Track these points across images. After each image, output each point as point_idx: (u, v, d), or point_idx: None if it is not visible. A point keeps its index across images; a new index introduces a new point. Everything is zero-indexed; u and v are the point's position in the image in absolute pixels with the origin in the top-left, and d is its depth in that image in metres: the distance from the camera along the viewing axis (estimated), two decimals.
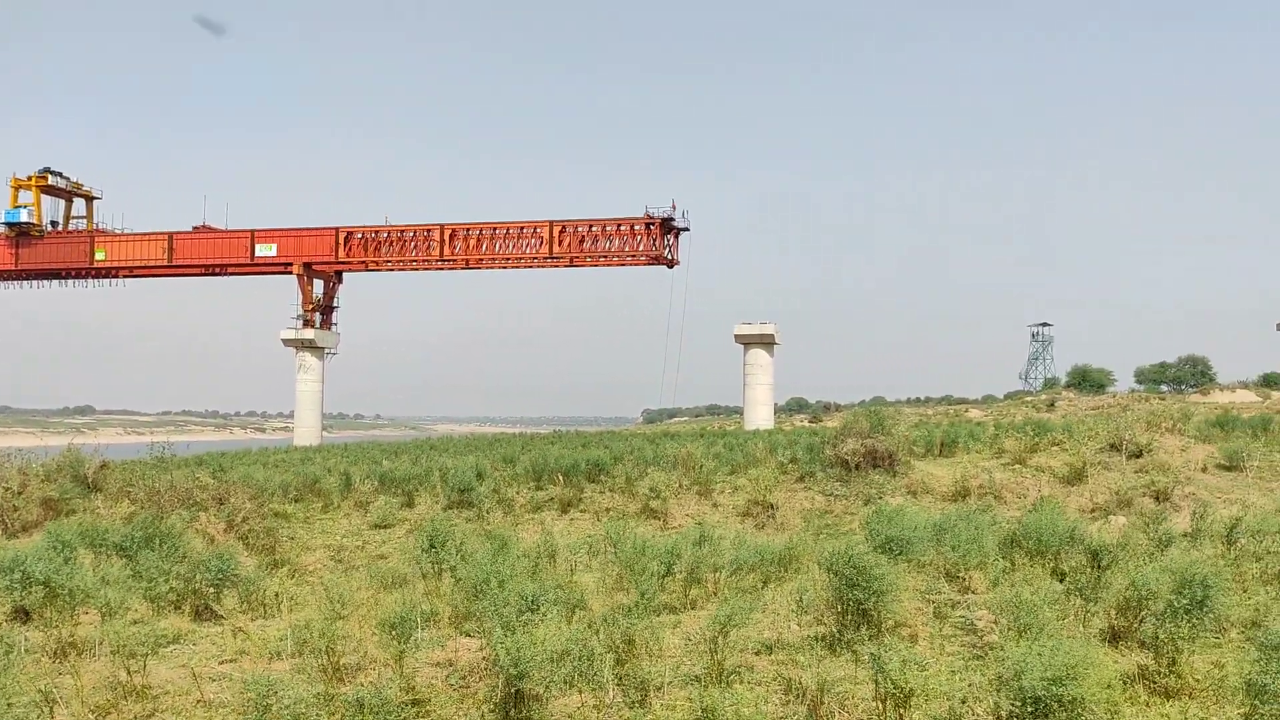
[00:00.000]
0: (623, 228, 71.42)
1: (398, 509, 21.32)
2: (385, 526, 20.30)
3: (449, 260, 73.91)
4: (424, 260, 74.71)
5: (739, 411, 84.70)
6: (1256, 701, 6.97)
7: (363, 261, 75.77)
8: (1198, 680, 8.28)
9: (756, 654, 9.55)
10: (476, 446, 38.48)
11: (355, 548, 18.75)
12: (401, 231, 75.04)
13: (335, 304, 77.78)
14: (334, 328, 77.59)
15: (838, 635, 9.81)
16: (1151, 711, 7.68)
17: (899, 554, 12.49)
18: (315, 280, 76.53)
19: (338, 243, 75.21)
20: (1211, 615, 9.08)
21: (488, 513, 20.55)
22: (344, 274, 77.79)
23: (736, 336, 72.25)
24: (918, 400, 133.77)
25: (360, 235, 75.42)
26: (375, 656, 8.88)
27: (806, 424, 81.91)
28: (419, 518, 20.15)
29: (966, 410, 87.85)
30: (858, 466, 22.32)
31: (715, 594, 12.03)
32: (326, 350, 76.36)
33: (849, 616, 10.00)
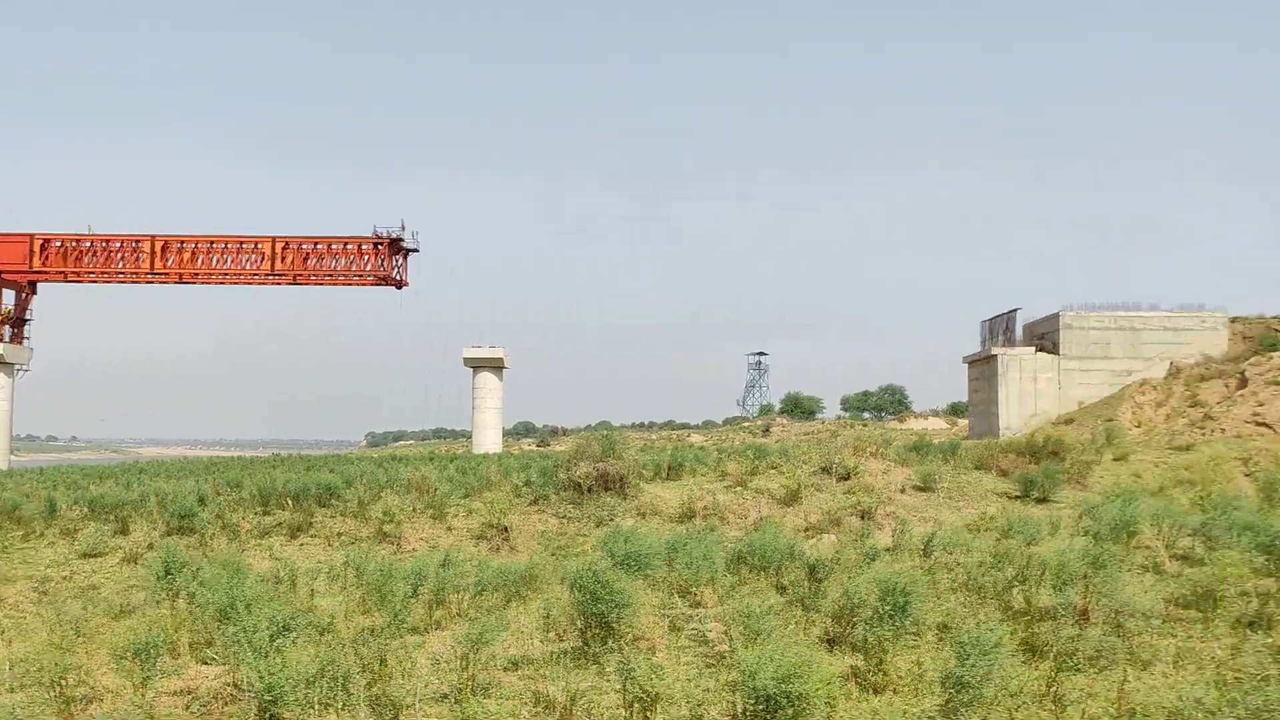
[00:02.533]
0: (350, 246, 69.11)
1: (110, 536, 19.66)
2: (96, 555, 18.65)
3: (160, 274, 68.54)
4: (132, 273, 68.93)
5: (467, 435, 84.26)
6: (953, 691, 7.93)
7: (61, 272, 68.83)
8: (901, 677, 9.25)
9: (505, 670, 9.73)
10: (192, 470, 36.05)
11: (62, 578, 17.10)
12: (107, 241, 68.85)
13: (28, 317, 70.13)
14: (26, 342, 69.90)
15: (583, 648, 10.17)
16: (863, 705, 8.52)
17: (635, 571, 13.07)
18: (5, 290, 68.74)
19: (32, 251, 67.91)
20: (911, 619, 10.21)
21: (211, 539, 19.38)
22: (39, 285, 70.34)
23: (465, 360, 72.00)
24: (642, 425, 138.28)
25: (59, 244, 68.50)
26: (109, 686, 8.28)
27: (535, 447, 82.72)
28: (134, 545, 18.69)
29: (689, 435, 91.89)
30: (590, 489, 22.91)
31: (460, 614, 12.08)
32: (17, 367, 68.63)
33: (592, 630, 10.39)
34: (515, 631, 11.12)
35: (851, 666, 9.65)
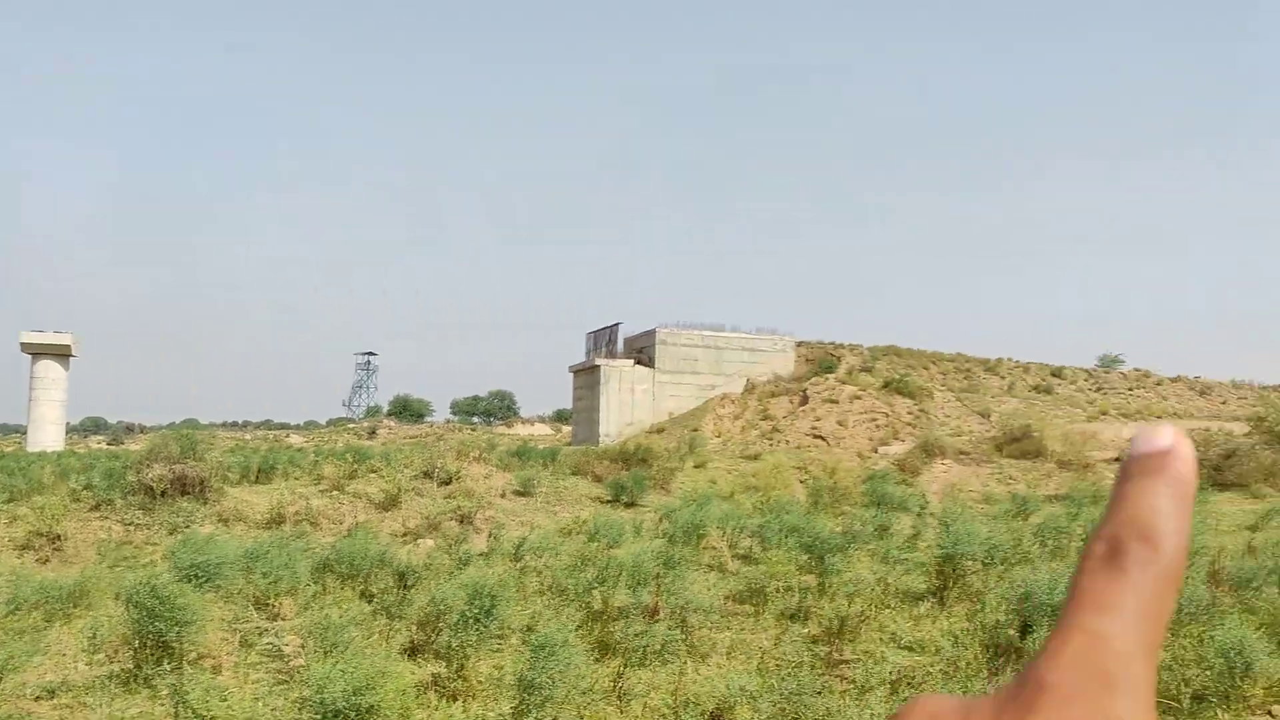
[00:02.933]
0: None
1: None
2: None
3: None
4: None
5: (21, 430, 74.03)
6: (525, 694, 8.08)
7: None
8: (480, 682, 9.30)
9: (37, 699, 8.53)
10: None
11: None
12: None
13: None
14: None
15: (134, 671, 9.19)
16: (438, 712, 8.45)
17: (207, 583, 12.09)
18: None
19: None
20: (496, 623, 10.32)
21: None
22: None
23: (23, 345, 63.38)
24: (235, 424, 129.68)
25: None
26: None
27: (105, 446, 74.67)
28: None
29: (288, 436, 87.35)
30: (164, 494, 20.99)
31: None
32: None
33: (148, 651, 9.43)
34: (55, 654, 9.83)
35: (433, 674, 9.54)
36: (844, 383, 47.31)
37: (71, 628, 10.94)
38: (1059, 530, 15.73)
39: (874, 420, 43.19)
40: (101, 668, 9.51)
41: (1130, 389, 57.23)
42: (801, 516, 17.37)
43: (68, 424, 69.03)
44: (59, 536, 18.14)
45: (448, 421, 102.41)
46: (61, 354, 63.23)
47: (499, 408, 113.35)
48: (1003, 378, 56.15)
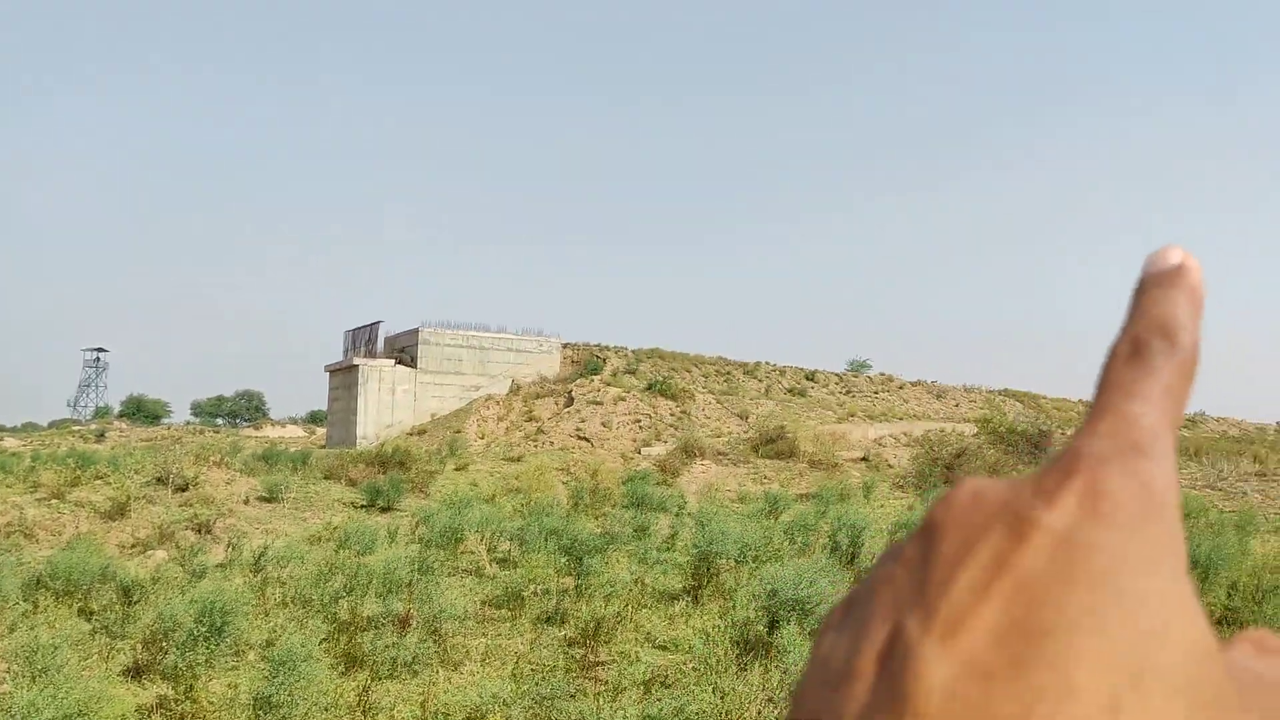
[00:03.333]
0: None
1: None
2: None
3: None
4: None
5: None
6: (261, 711, 7.57)
7: None
8: (212, 703, 8.65)
9: None
10: None
11: None
12: None
13: None
14: None
15: None
16: None
17: None
18: None
19: None
20: (231, 639, 9.65)
21: None
22: None
23: None
24: None
25: None
26: None
27: None
28: None
29: (2, 439, 79.12)
30: None
31: None
32: None
33: None
34: None
35: (159, 696, 8.80)
36: (609, 384, 48.00)
37: None
38: (807, 527, 16.50)
39: (637, 421, 44.06)
40: None
41: (876, 392, 61.21)
42: (562, 518, 17.38)
43: None
44: None
45: (188, 424, 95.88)
46: None
47: (246, 408, 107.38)
48: (761, 380, 58.63)
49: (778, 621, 9.16)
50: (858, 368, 67.30)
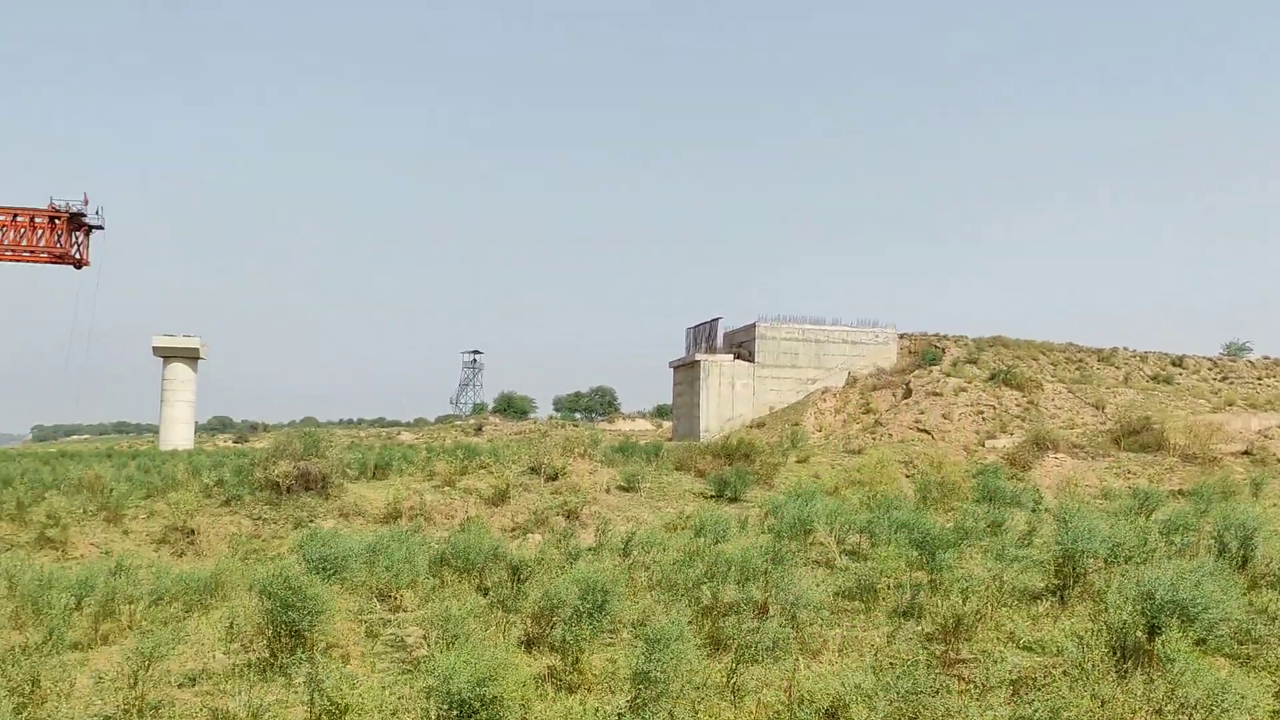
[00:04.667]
0: (20, 219, 61.77)
1: None
2: None
3: None
4: None
5: (154, 429, 77.76)
6: (640, 687, 8.23)
7: None
8: (595, 675, 9.49)
9: (180, 686, 9.04)
10: None
11: None
12: None
13: None
14: None
15: (270, 660, 9.65)
16: (557, 705, 8.66)
17: (332, 575, 12.59)
18: None
19: None
20: (609, 617, 10.50)
21: None
22: None
23: (155, 349, 66.49)
24: (350, 422, 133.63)
25: None
26: None
27: (231, 444, 77.78)
28: None
29: (399, 433, 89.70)
30: (289, 489, 21.87)
31: (131, 627, 11.11)
32: None
33: (282, 640, 9.89)
34: (194, 644, 10.38)
35: (549, 667, 9.77)
36: (948, 375, 46.36)
37: (209, 618, 11.53)
38: (1186, 527, 15.21)
39: (980, 413, 42.22)
40: (239, 656, 10.00)
41: (1259, 378, 54.60)
42: (910, 512, 17.16)
43: (196, 423, 72.16)
44: (193, 531, 19.09)
45: (550, 418, 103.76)
46: (190, 357, 66.18)
47: (600, 404, 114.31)
48: (1118, 368, 54.20)
49: (1157, 627, 8.60)
50: (1236, 351, 60.27)
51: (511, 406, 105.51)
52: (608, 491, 25.10)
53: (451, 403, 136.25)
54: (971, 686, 8.45)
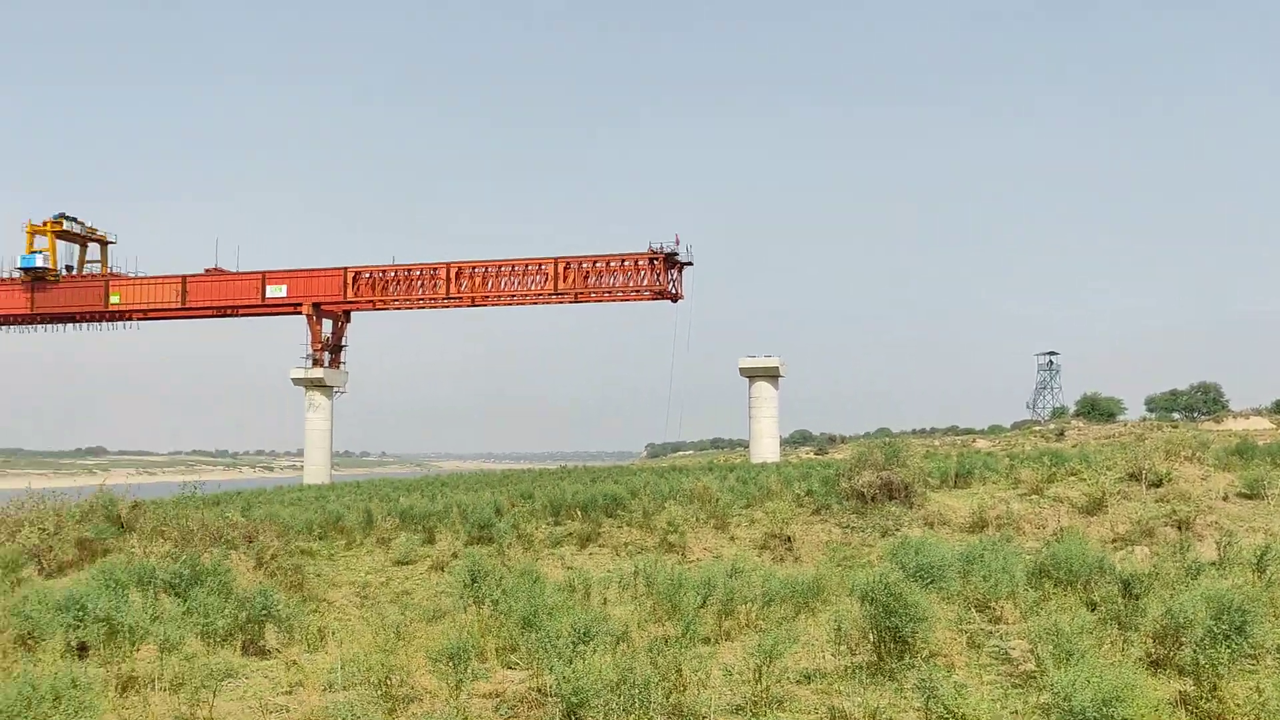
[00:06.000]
0: (626, 263, 71.60)
1: (419, 545, 21.37)
2: (407, 563, 20.36)
3: (455, 298, 74.23)
4: (430, 299, 75.02)
5: (743, 444, 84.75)
6: None
7: (370, 301, 76.08)
8: (1239, 705, 8.34)
9: (798, 683, 9.63)
10: (487, 483, 38.54)
11: (379, 584, 18.83)
12: (408, 270, 75.47)
13: (344, 343, 78.10)
14: (343, 366, 77.86)
15: (877, 663, 9.90)
16: None
17: (928, 584, 12.58)
18: (324, 320, 76.83)
19: (346, 283, 75.56)
20: (1249, 642, 9.18)
21: (508, 548, 20.61)
22: (351, 313, 78.20)
23: (741, 369, 72.47)
24: (923, 431, 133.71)
25: (368, 275, 75.76)
26: (427, 687, 8.98)
27: (813, 456, 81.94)
28: (440, 554, 20.23)
29: (974, 440, 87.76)
30: (873, 498, 22.38)
31: (748, 625, 12.11)
32: (335, 389, 76.54)
33: (886, 645, 10.09)
34: (806, 644, 10.99)
35: (1179, 692, 8.81)
36: None
37: (815, 620, 12.17)
38: None
39: None
40: (846, 658, 10.40)
41: None
42: None
43: (780, 437, 77.41)
44: (789, 538, 20.41)
45: (1143, 419, 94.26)
46: (772, 375, 71.33)
47: (1203, 401, 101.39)
48: None
49: None
50: None
51: (1096, 409, 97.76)
52: (1225, 499, 22.09)
53: (1028, 407, 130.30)
54: None
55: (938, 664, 9.89)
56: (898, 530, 20.46)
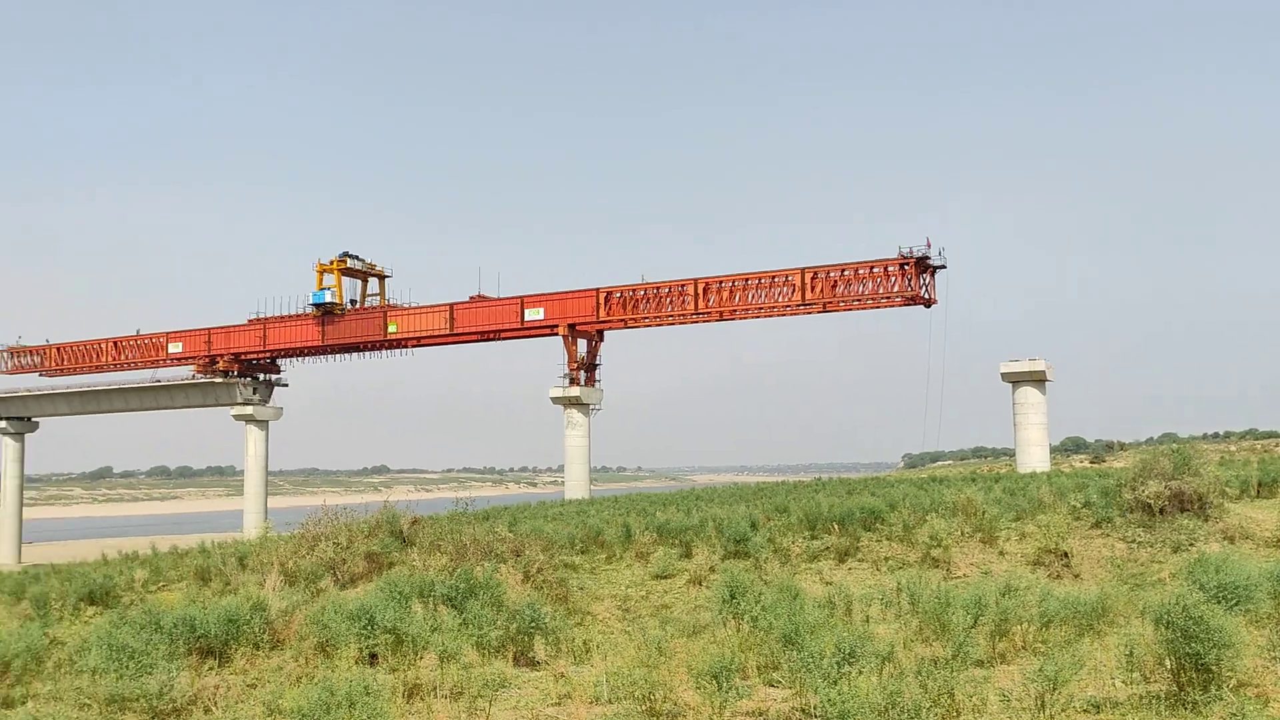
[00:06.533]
0: (876, 270, 69.90)
1: (676, 559, 21.62)
2: (666, 577, 20.63)
3: (703, 313, 75.22)
4: (679, 315, 76.41)
5: (1008, 453, 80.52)
6: None
7: (622, 319, 78.48)
8: None
9: (1084, 712, 8.90)
10: (742, 496, 38.52)
11: (640, 597, 19.18)
12: (657, 289, 77.27)
13: (598, 361, 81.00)
14: (598, 384, 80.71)
15: (1176, 693, 8.99)
16: None
17: (1233, 605, 11.35)
18: (579, 340, 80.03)
19: (599, 303, 78.38)
20: None
21: (764, 562, 20.46)
22: (605, 332, 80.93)
23: (1003, 375, 68.85)
24: (1216, 435, 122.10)
25: (619, 295, 78.24)
26: (690, 703, 9.00)
27: (1088, 465, 76.60)
28: (697, 568, 20.36)
29: (1277, 445, 79.10)
30: (1162, 511, 20.52)
31: (1024, 647, 11.36)
32: (592, 406, 79.43)
33: (1186, 673, 9.15)
34: (1092, 670, 10.17)
35: None
36: None
37: (1102, 644, 11.23)
38: None
39: None
40: (1139, 686, 9.52)
41: None
42: None
43: (1050, 445, 72.81)
44: (1066, 553, 19.04)
45: None
46: (1038, 380, 67.31)
47: None
48: None
49: None
50: None
51: None
52: None
53: None
54: None
55: (1248, 695, 8.88)
56: (1192, 545, 18.66)
